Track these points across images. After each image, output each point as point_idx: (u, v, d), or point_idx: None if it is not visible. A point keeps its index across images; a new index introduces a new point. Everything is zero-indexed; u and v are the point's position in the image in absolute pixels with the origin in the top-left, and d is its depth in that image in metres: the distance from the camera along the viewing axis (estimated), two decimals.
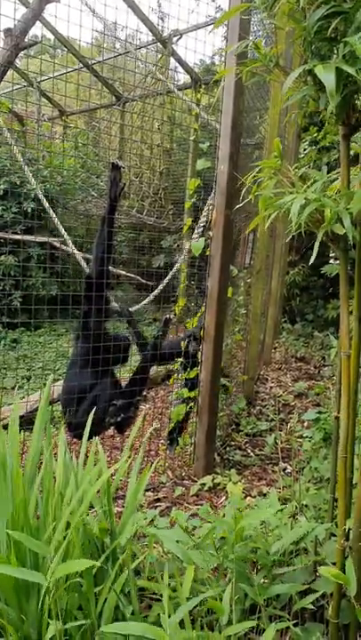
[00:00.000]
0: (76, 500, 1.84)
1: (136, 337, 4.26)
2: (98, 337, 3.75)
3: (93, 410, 2.79)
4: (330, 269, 7.28)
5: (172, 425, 4.35)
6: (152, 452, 4.44)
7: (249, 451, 4.30)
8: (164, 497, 3.60)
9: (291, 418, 4.91)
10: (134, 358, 4.31)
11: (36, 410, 4.79)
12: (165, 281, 5.35)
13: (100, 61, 9.72)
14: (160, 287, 5.49)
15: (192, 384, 4.13)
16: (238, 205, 2.30)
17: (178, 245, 10.16)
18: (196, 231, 3.58)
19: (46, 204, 5.82)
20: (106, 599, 1.81)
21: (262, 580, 2.04)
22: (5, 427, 2.47)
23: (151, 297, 5.53)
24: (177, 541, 2.03)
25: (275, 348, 7.40)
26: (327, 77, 1.54)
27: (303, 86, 1.78)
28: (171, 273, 5.34)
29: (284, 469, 3.93)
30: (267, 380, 6.28)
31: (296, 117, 2.18)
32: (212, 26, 8.23)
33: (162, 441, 4.60)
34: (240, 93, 3.47)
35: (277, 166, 1.96)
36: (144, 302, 5.44)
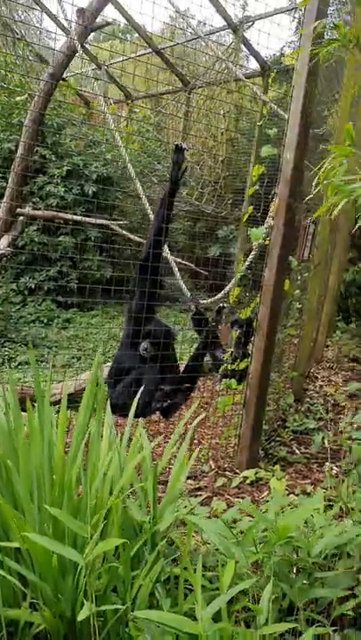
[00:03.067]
0: (121, 483, 1.82)
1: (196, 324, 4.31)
2: (147, 320, 3.73)
3: (139, 392, 2.76)
4: None
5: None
6: (195, 441, 4.40)
7: (294, 448, 4.20)
8: (205, 486, 3.56)
9: (340, 418, 4.76)
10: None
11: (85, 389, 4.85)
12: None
13: (170, 46, 9.66)
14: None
15: (240, 376, 4.06)
16: (310, 195, 2.21)
17: (234, 236, 10.04)
18: (267, 220, 3.46)
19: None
20: (141, 585, 1.78)
21: (302, 582, 1.97)
22: (55, 403, 2.48)
23: (226, 289, 5.05)
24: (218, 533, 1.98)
25: (327, 346, 7.21)
26: None
27: None
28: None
29: (330, 470, 3.82)
30: (316, 378, 6.12)
31: None
32: (288, 12, 7.96)
33: (205, 430, 4.56)
34: (312, 80, 3.33)
35: (349, 153, 1.86)
36: (219, 295, 5.02)
